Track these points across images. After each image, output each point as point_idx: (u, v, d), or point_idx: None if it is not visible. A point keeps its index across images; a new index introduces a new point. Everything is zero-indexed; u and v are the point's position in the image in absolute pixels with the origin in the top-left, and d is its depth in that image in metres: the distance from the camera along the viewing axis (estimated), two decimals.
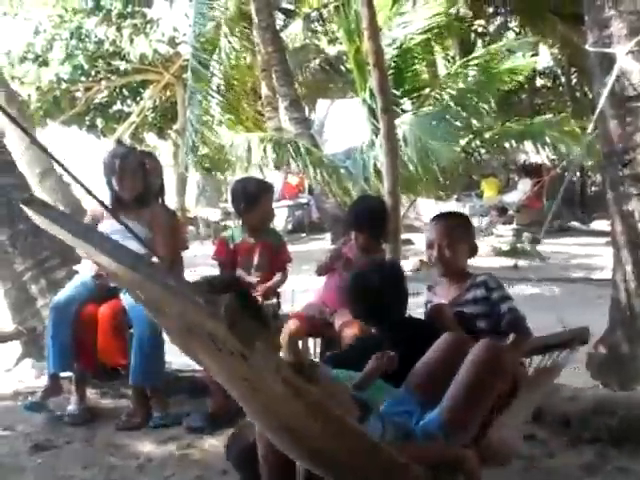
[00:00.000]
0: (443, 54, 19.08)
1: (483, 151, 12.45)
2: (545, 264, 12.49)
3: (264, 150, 11.09)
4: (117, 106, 21.00)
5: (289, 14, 20.15)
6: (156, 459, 4.27)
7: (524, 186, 16.96)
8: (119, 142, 5.48)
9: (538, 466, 3.93)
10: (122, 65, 18.73)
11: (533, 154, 12.59)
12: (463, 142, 11.97)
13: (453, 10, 13.78)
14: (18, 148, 7.93)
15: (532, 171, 18.45)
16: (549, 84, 25.05)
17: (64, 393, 5.08)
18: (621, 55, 4.80)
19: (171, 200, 15.62)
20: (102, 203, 4.46)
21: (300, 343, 5.00)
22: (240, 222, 5.44)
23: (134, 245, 4.65)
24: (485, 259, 12.84)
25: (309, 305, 5.16)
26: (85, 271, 5.19)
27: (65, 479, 4.03)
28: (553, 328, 4.09)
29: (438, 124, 11.40)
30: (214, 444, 4.45)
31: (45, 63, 17.66)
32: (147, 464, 4.19)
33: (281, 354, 3.50)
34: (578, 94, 22.76)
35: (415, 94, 12.45)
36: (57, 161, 2.92)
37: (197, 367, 5.02)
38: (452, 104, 12.14)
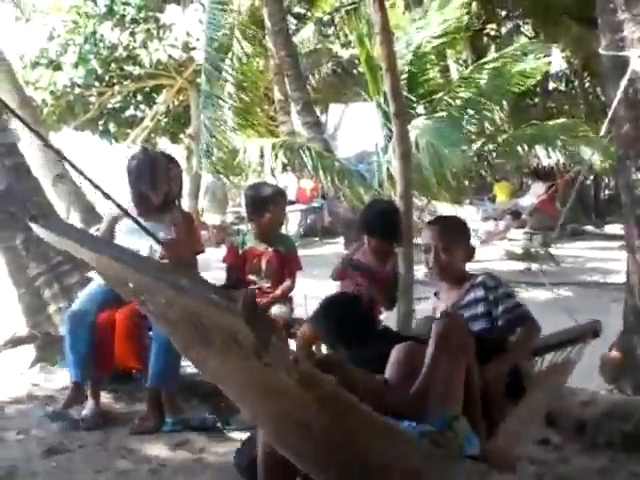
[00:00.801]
0: (456, 58, 19.05)
1: (496, 155, 12.42)
2: (558, 268, 12.43)
3: (276, 155, 11.10)
4: (130, 111, 21.06)
5: (301, 18, 20.16)
6: (169, 464, 4.28)
7: (537, 190, 16.87)
8: (145, 148, 5.51)
9: (552, 471, 3.92)
10: (135, 70, 18.79)
11: (546, 158, 12.53)
12: (476, 146, 11.95)
13: (466, 15, 13.68)
14: (33, 152, 7.97)
15: (545, 175, 18.37)
16: (562, 87, 24.96)
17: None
18: (635, 58, 4.78)
19: (184, 204, 15.65)
20: (119, 205, 4.51)
21: (313, 348, 5.00)
22: (251, 227, 5.45)
23: (152, 246, 4.74)
24: (498, 263, 12.81)
25: None
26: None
27: None
28: None
29: (451, 128, 11.38)
30: (227, 449, 4.45)
31: (59, 68, 17.73)
32: (160, 469, 4.20)
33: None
34: (591, 97, 22.67)
35: (428, 98, 12.43)
36: (72, 164, 2.94)
37: None
38: (465, 108, 12.12)
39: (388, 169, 10.79)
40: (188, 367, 5.18)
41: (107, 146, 20.88)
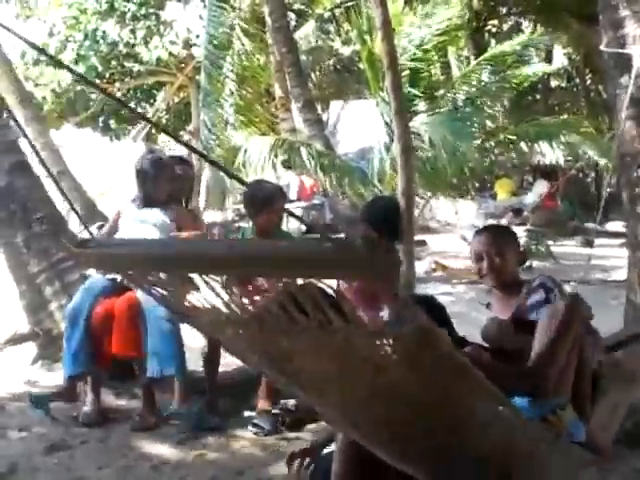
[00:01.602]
0: (457, 55, 19.03)
1: (497, 152, 12.40)
2: (559, 265, 12.42)
3: (276, 153, 11.10)
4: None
5: (302, 15, 20.13)
6: (171, 460, 4.28)
7: (539, 187, 16.85)
8: (151, 149, 5.63)
9: None
10: (136, 67, 18.80)
11: (548, 155, 12.50)
12: (477, 142, 11.94)
13: (467, 12, 13.69)
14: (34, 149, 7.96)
15: (547, 172, 18.35)
16: (563, 84, 24.94)
17: (78, 400, 5.11)
18: (637, 55, 4.77)
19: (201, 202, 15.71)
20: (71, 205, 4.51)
21: None
22: (251, 224, 5.45)
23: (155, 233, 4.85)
24: None
25: None
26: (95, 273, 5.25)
27: None
28: None
29: (453, 124, 11.37)
30: (229, 445, 4.46)
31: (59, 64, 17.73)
32: (161, 465, 4.20)
33: None
34: (593, 94, 22.65)
35: (430, 95, 12.42)
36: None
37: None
38: (466, 105, 12.11)
39: (390, 166, 10.78)
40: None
41: (108, 142, 20.90)
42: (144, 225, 5.11)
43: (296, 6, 20.42)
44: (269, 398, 4.82)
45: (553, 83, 23.75)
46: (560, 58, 23.13)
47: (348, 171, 11.57)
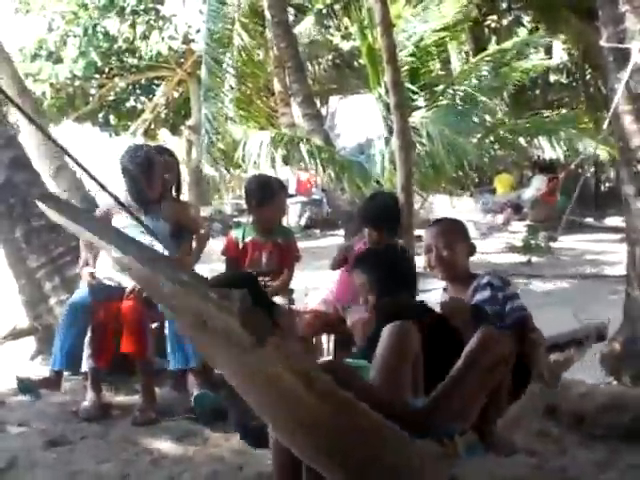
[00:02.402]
0: (457, 50, 19.02)
1: (497, 147, 12.40)
2: (558, 260, 12.45)
3: (275, 149, 11.10)
4: (130, 103, 21.09)
5: (301, 9, 20.11)
6: (171, 454, 4.29)
7: (538, 182, 16.86)
8: (137, 145, 5.49)
9: (551, 463, 3.93)
10: (135, 62, 18.79)
11: (547, 150, 12.50)
12: (476, 138, 11.94)
13: (467, 7, 13.65)
14: (33, 144, 7.97)
15: (546, 167, 18.35)
16: (563, 80, 24.92)
17: (64, 392, 5.16)
18: (636, 51, 4.78)
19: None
20: (118, 200, 4.53)
21: (314, 339, 5.02)
22: (251, 219, 5.44)
23: (148, 240, 4.74)
24: (499, 255, 12.81)
25: (322, 301, 5.18)
26: (100, 270, 5.23)
27: (79, 474, 4.04)
28: (567, 324, 4.08)
29: (452, 120, 11.37)
30: (230, 439, 4.46)
31: (58, 60, 17.72)
32: (161, 459, 4.21)
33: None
34: (592, 90, 22.63)
35: (429, 90, 12.41)
36: (72, 157, 2.93)
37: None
38: (466, 100, 12.11)
39: (389, 161, 10.78)
40: None
41: (107, 138, 20.90)
42: (138, 231, 4.85)
43: (295, 0, 20.41)
44: None
45: (552, 78, 23.73)
46: (559, 53, 23.12)
47: (347, 166, 11.56)
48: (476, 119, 12.13)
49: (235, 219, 18.12)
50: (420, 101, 12.12)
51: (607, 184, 23.45)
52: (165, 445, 4.43)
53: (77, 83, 18.19)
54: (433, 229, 3.98)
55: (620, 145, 5.16)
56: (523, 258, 12.17)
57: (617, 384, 5.06)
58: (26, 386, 4.97)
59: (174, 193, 5.69)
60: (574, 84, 24.29)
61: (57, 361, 4.98)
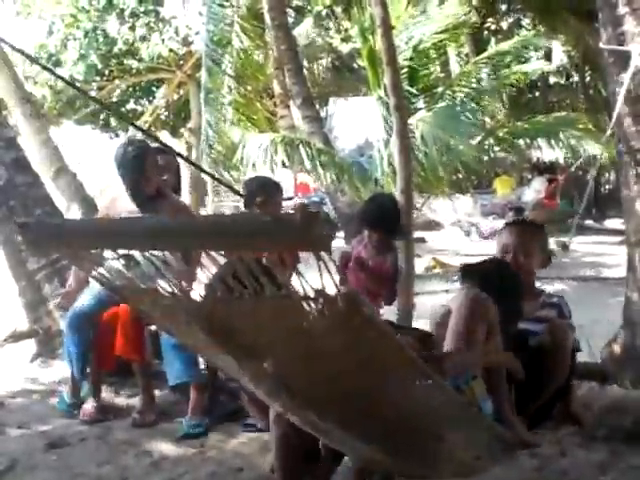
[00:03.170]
0: (456, 52, 19.05)
1: (497, 149, 12.42)
2: (558, 262, 12.45)
3: (275, 151, 11.10)
4: (130, 105, 21.09)
5: (301, 11, 20.13)
6: (170, 457, 4.28)
7: (538, 185, 16.90)
8: (130, 140, 5.44)
9: (551, 465, 3.92)
10: (135, 64, 18.80)
11: (547, 152, 12.52)
12: (476, 140, 11.97)
13: (467, 9, 13.70)
14: (32, 146, 7.97)
15: (545, 169, 18.38)
16: (562, 82, 24.96)
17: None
18: (636, 53, 4.78)
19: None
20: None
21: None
22: None
23: None
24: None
25: None
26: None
27: (79, 477, 4.04)
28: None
29: (452, 121, 11.38)
30: (229, 442, 4.46)
31: (58, 63, 17.72)
32: (161, 462, 4.20)
33: None
34: (592, 92, 22.66)
35: (429, 92, 12.43)
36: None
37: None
38: (465, 102, 12.12)
39: (389, 163, 10.80)
40: None
41: (109, 139, 20.91)
42: None
43: (295, 2, 20.42)
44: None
45: (552, 80, 23.76)
46: (559, 55, 23.15)
47: (347, 168, 11.58)
48: (475, 121, 12.14)
49: None
50: (420, 103, 12.15)
51: (607, 186, 23.46)
52: (165, 447, 4.43)
53: (77, 85, 18.19)
54: (515, 230, 3.90)
55: (620, 147, 5.16)
56: None
57: (617, 386, 5.05)
58: (71, 407, 5.00)
59: (173, 193, 5.63)
60: (574, 86, 24.32)
61: (74, 370, 5.01)
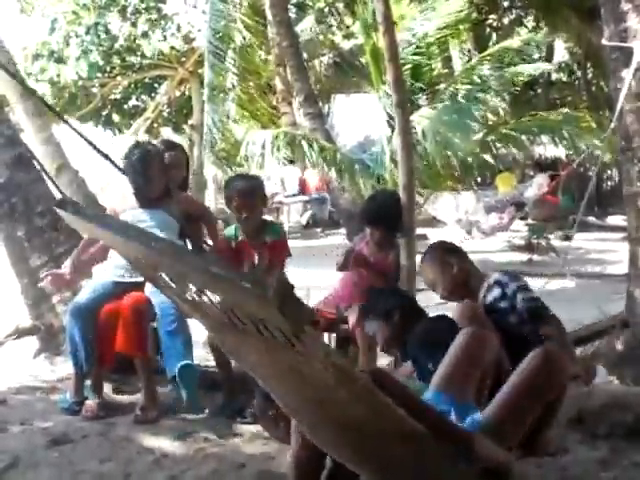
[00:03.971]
0: (459, 48, 19.02)
1: (499, 145, 12.41)
2: (560, 259, 12.45)
3: (278, 148, 11.10)
4: (133, 101, 21.08)
5: (302, 8, 20.07)
6: (172, 453, 4.29)
7: (540, 181, 16.86)
8: (137, 142, 5.43)
9: (553, 461, 3.92)
10: (137, 60, 18.79)
11: (549, 149, 12.53)
12: (478, 136, 11.96)
13: (469, 6, 13.66)
14: (34, 143, 7.98)
15: (547, 166, 18.35)
16: (565, 78, 24.93)
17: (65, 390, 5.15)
18: (638, 49, 4.77)
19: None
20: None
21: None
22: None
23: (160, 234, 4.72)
24: (500, 254, 12.82)
25: (324, 301, 5.18)
26: (102, 272, 5.23)
27: (82, 473, 4.04)
28: (569, 323, 4.07)
29: (455, 118, 11.38)
30: (230, 439, 4.47)
31: (61, 60, 17.71)
32: (163, 458, 4.21)
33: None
34: (594, 88, 22.63)
35: (431, 89, 12.43)
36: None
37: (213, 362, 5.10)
38: (468, 99, 12.11)
39: (391, 159, 10.79)
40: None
41: (111, 136, 20.90)
42: (145, 226, 4.85)
43: None
44: None
45: (554, 77, 23.73)
46: (561, 52, 23.12)
47: (349, 165, 11.57)
48: (478, 117, 12.13)
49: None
50: (422, 100, 12.14)
51: (609, 183, 23.44)
52: (167, 444, 4.44)
53: (80, 83, 18.20)
54: (423, 270, 4.13)
55: (622, 144, 5.16)
56: (524, 257, 12.18)
57: (619, 383, 5.06)
58: (72, 406, 4.99)
59: (181, 189, 5.62)
60: (576, 82, 24.30)
61: (77, 365, 5.00)
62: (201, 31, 17.66)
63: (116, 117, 20.89)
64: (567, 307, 4.93)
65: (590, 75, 22.89)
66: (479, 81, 12.17)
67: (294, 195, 18.77)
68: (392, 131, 10.38)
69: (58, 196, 6.65)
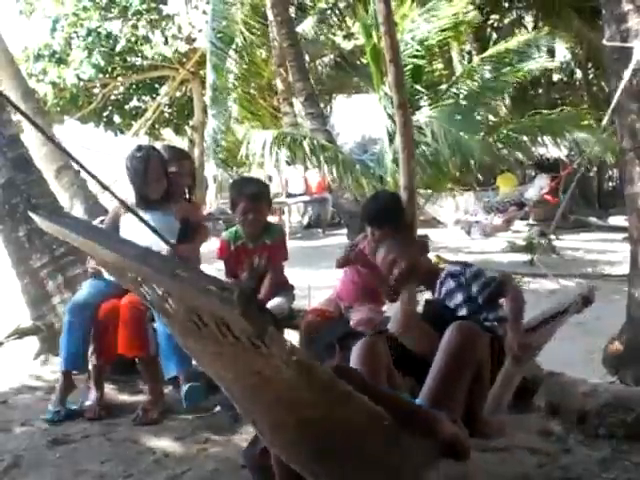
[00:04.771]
0: (459, 49, 19.03)
1: (500, 146, 12.41)
2: (561, 259, 12.45)
3: (279, 148, 11.10)
4: (134, 102, 21.09)
5: (303, 9, 20.08)
6: (173, 453, 4.29)
7: (541, 182, 16.87)
8: (138, 146, 5.41)
9: (554, 461, 3.93)
10: (138, 61, 18.80)
11: (550, 149, 12.52)
12: (479, 137, 11.96)
13: (470, 6, 13.66)
14: (35, 144, 7.98)
15: (549, 167, 18.35)
16: (565, 78, 24.93)
17: (78, 388, 5.12)
18: (638, 49, 4.78)
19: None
20: (118, 198, 4.54)
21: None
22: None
23: (155, 238, 4.72)
24: (501, 255, 12.81)
25: (325, 300, 5.18)
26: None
27: (83, 473, 4.04)
28: (571, 320, 4.07)
29: (455, 119, 11.38)
30: (232, 439, 4.47)
31: (62, 61, 17.72)
32: (164, 458, 4.21)
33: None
34: (595, 88, 22.64)
35: (432, 89, 12.42)
36: (73, 158, 2.95)
37: None
38: (469, 99, 12.12)
39: (392, 160, 10.79)
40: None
41: (112, 137, 20.91)
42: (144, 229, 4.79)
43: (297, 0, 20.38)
44: None
45: (555, 77, 23.72)
46: (562, 52, 23.12)
47: (350, 165, 11.58)
48: (479, 118, 12.14)
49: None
50: (423, 100, 12.13)
51: (610, 183, 23.46)
52: (168, 444, 4.44)
53: (81, 84, 18.20)
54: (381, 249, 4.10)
55: (622, 144, 5.16)
56: (525, 257, 12.18)
57: (620, 383, 5.06)
58: (56, 415, 4.95)
59: (187, 195, 5.62)
60: (577, 83, 24.30)
61: (64, 363, 4.99)
62: (202, 32, 17.67)
63: (117, 118, 20.88)
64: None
65: (591, 75, 22.89)
66: (480, 82, 12.18)
67: (299, 195, 18.78)
68: (393, 132, 10.38)
69: (63, 196, 6.65)
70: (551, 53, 20.41)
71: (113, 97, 20.46)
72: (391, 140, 10.97)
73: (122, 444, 4.47)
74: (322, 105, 16.17)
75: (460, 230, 16.70)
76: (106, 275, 5.09)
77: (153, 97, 20.96)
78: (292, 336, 4.81)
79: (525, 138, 12.24)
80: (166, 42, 18.30)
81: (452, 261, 3.98)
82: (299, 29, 16.90)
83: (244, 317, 1.94)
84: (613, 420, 4.17)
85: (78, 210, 8.22)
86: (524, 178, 21.29)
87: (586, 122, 12.26)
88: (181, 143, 22.41)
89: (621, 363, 5.22)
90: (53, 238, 6.24)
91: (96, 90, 19.65)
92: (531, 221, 16.21)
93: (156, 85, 20.83)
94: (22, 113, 4.37)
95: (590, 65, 22.22)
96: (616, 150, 6.26)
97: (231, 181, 6.42)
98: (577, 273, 11.02)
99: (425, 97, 12.14)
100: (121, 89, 20.55)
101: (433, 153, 10.83)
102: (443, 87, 12.53)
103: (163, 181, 5.19)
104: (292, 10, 16.67)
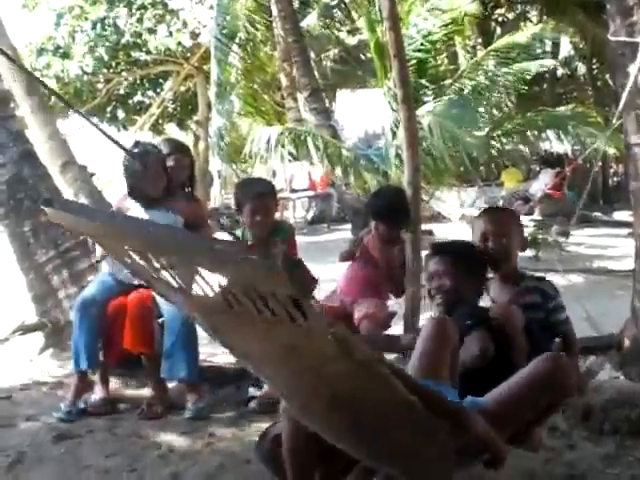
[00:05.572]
0: (464, 44, 18.98)
1: (505, 141, 12.38)
2: (567, 255, 12.41)
3: (283, 144, 11.07)
4: (138, 97, 21.07)
5: (307, 3, 20.04)
6: (178, 448, 4.30)
7: (546, 177, 16.83)
8: (136, 143, 5.38)
9: (559, 457, 3.92)
10: (142, 56, 18.78)
11: (555, 144, 12.47)
12: (484, 132, 11.93)
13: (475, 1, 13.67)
14: (39, 139, 7.97)
15: (553, 162, 18.30)
16: (569, 73, 24.85)
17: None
18: None
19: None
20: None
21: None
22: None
23: None
24: None
25: (329, 295, 5.17)
26: (108, 266, 5.22)
27: (87, 469, 4.05)
28: (575, 319, 4.06)
29: (460, 113, 11.36)
30: (237, 434, 4.48)
31: (66, 54, 17.71)
32: (169, 453, 4.22)
33: None
34: (600, 83, 22.56)
35: (437, 84, 12.39)
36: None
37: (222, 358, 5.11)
38: (473, 94, 12.09)
39: (397, 155, 10.77)
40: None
41: (115, 132, 20.90)
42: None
43: None
44: None
45: (560, 72, 23.65)
46: (567, 47, 23.05)
47: (355, 160, 11.56)
48: (484, 113, 12.11)
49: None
50: (428, 95, 12.11)
51: (615, 178, 23.38)
52: (173, 439, 4.45)
53: (85, 78, 18.19)
54: (490, 216, 3.91)
55: (627, 140, 5.14)
56: (530, 253, 12.13)
57: (625, 379, 5.04)
58: (70, 414, 4.92)
59: (187, 189, 5.59)
60: (581, 78, 24.23)
61: (80, 362, 4.97)
62: (207, 27, 17.65)
63: (121, 113, 20.87)
64: (573, 303, 4.93)
65: (596, 70, 22.82)
66: (485, 76, 12.16)
67: (303, 190, 18.74)
68: (397, 127, 10.36)
69: (67, 191, 6.63)
70: (556, 47, 20.39)
71: (117, 92, 20.44)
72: (395, 135, 10.96)
73: (127, 439, 4.48)
74: (327, 100, 16.11)
75: (465, 225, 16.64)
76: (109, 267, 5.10)
77: (157, 92, 20.94)
78: None
79: (529, 133, 12.21)
80: (170, 35, 18.24)
81: (543, 277, 3.88)
82: (303, 24, 16.87)
83: (292, 281, 1.93)
84: (618, 416, 4.17)
85: None
86: (529, 173, 21.24)
87: (591, 118, 12.21)
88: (185, 138, 22.38)
89: (626, 359, 5.20)
90: (59, 233, 6.25)
91: (100, 85, 19.64)
92: (536, 216, 16.15)
93: (160, 80, 20.81)
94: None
95: (595, 60, 22.14)
96: (621, 145, 6.23)
97: (236, 182, 6.36)
98: (583, 268, 10.98)
99: (429, 92, 12.12)
100: (125, 84, 20.53)
101: (436, 149, 10.80)
102: (447, 82, 12.50)
103: (163, 178, 5.15)
104: (296, 5, 16.65)
